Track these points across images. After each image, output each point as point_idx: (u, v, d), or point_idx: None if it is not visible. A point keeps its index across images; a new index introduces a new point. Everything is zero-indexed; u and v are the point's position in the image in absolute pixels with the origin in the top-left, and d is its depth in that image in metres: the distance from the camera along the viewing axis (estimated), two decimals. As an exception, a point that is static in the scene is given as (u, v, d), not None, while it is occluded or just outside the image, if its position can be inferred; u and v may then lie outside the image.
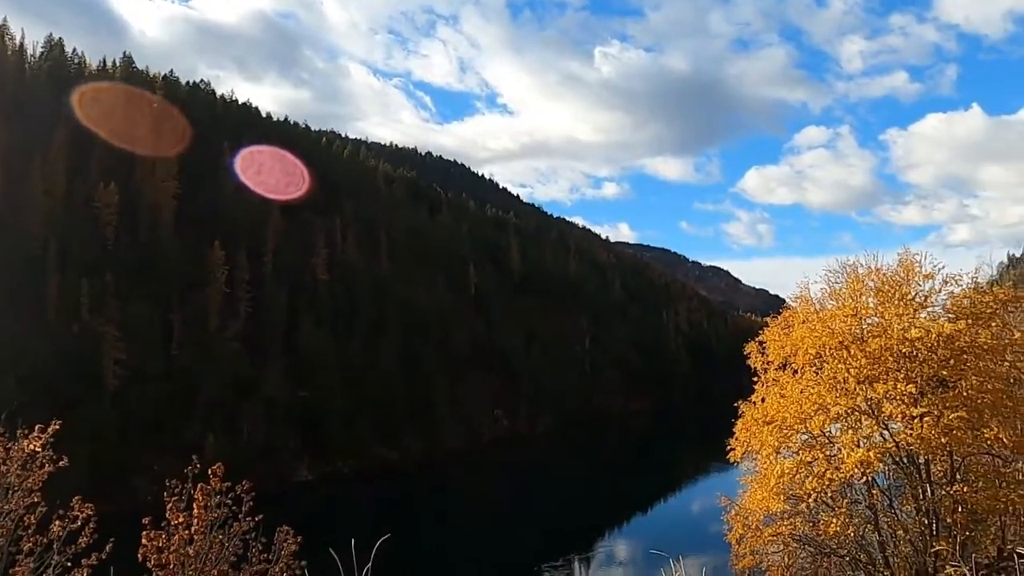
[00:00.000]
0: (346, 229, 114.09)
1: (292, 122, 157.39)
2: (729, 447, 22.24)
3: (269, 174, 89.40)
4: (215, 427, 75.03)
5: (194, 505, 9.48)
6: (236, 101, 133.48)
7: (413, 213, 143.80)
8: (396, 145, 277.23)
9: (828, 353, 20.23)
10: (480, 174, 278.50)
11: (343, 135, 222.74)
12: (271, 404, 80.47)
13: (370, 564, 8.14)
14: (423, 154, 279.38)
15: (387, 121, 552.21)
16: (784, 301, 33.15)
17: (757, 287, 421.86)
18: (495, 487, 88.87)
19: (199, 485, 9.25)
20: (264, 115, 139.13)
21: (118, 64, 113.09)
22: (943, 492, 19.78)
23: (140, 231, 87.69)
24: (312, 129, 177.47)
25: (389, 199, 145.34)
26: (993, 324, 19.82)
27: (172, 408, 74.85)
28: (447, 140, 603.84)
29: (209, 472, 9.32)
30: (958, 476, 20.30)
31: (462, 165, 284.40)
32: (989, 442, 18.58)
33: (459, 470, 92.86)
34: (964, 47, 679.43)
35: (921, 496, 19.84)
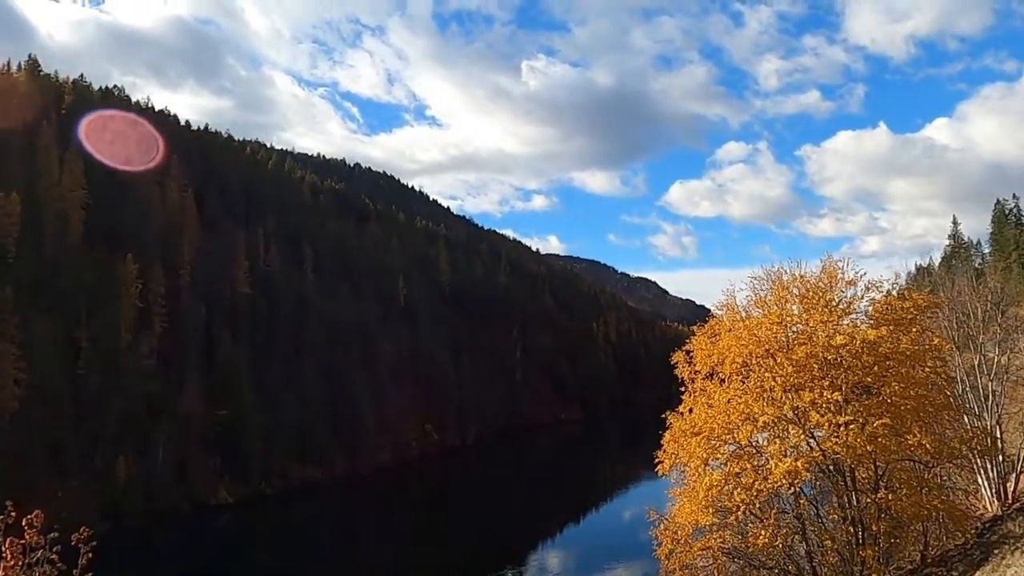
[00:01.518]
0: (269, 241, 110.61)
1: (213, 130, 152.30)
2: (657, 460, 21.74)
3: (121, 144, 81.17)
4: (126, 449, 70.90)
5: None
6: (152, 108, 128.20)
7: (340, 225, 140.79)
8: (324, 156, 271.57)
9: (755, 362, 19.98)
10: (410, 186, 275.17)
11: (268, 145, 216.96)
12: (187, 423, 76.62)
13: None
14: (351, 165, 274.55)
15: (313, 132, 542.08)
16: (709, 311, 33.19)
17: (683, 297, 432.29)
18: (422, 501, 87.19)
19: (8, 540, 7.51)
20: (183, 123, 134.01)
21: (23, 67, 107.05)
22: (868, 500, 19.72)
23: (45, 243, 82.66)
24: (235, 138, 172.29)
25: (315, 210, 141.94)
26: (913, 330, 19.96)
27: (79, 430, 70.40)
28: (375, 152, 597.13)
29: (24, 523, 7.67)
30: (882, 483, 20.29)
31: (392, 177, 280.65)
32: (912, 448, 18.60)
33: (386, 486, 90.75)
34: (871, 68, 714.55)
35: (847, 504, 19.74)
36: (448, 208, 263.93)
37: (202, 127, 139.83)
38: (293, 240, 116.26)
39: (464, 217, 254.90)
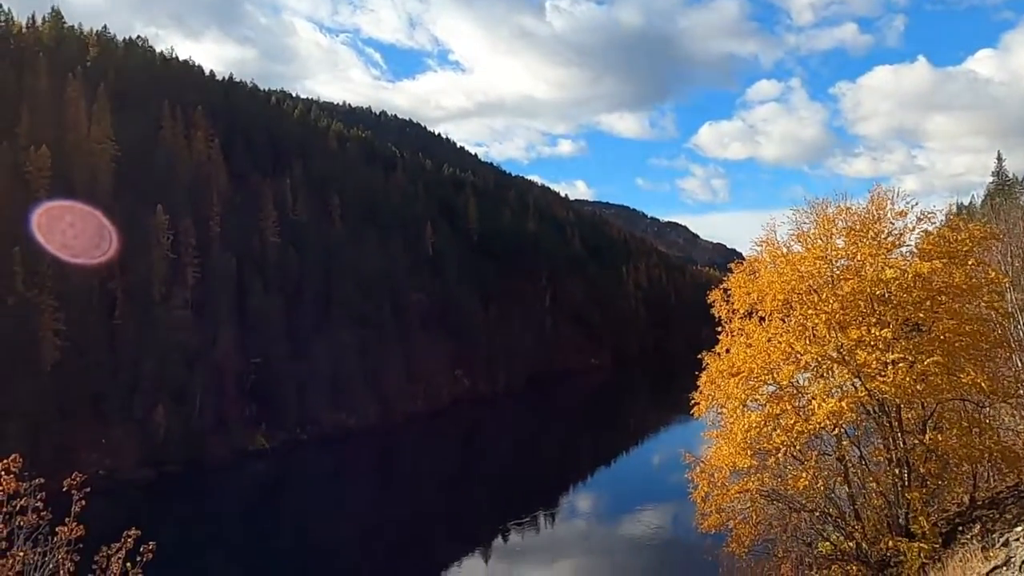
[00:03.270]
0: (296, 191, 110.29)
1: (238, 80, 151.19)
2: (693, 401, 21.11)
3: (75, 235, 76.00)
4: (164, 398, 72.32)
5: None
6: (176, 58, 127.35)
7: (367, 173, 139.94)
8: (349, 105, 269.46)
9: (797, 298, 19.05)
10: (436, 133, 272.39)
11: (293, 95, 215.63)
12: (222, 373, 77.80)
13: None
14: (377, 114, 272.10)
15: (336, 80, 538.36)
16: (740, 255, 32.11)
17: (714, 241, 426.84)
18: (455, 446, 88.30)
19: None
20: (207, 73, 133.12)
21: (46, 20, 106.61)
22: (915, 440, 18.92)
23: (76, 196, 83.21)
24: (260, 88, 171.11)
25: (342, 159, 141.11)
26: (969, 262, 18.81)
27: (117, 380, 71.87)
28: (400, 99, 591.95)
29: None
30: (930, 423, 19.45)
31: (417, 124, 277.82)
32: (965, 387, 17.66)
33: (418, 432, 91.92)
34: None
35: (893, 445, 18.97)
36: (475, 155, 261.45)
37: (226, 78, 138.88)
38: (320, 190, 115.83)
39: (491, 164, 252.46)
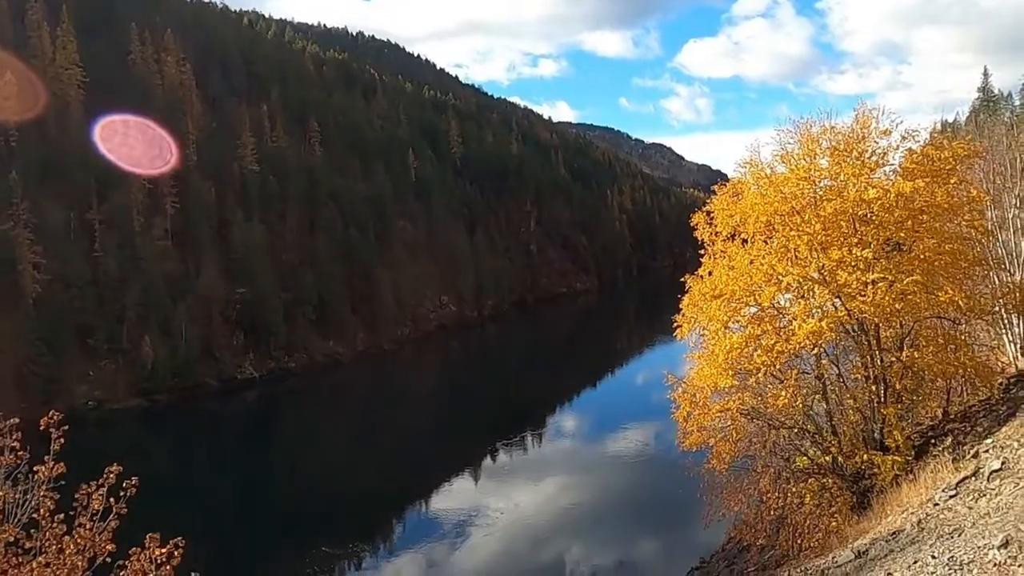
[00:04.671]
0: (274, 116, 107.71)
1: (207, 1, 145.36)
2: (675, 323, 21.31)
3: (133, 145, 79.64)
4: (150, 329, 72.24)
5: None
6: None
7: (346, 97, 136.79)
8: (324, 25, 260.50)
9: (779, 220, 19.04)
10: (416, 55, 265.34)
11: (266, 15, 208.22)
12: (207, 303, 77.56)
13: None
14: (354, 35, 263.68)
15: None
16: (725, 176, 31.87)
17: (699, 163, 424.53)
18: (443, 371, 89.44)
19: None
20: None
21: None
22: (892, 358, 19.31)
23: (47, 125, 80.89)
24: (231, 9, 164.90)
25: (320, 83, 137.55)
26: (952, 181, 18.78)
27: (102, 312, 71.61)
28: (377, 18, 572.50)
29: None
30: (907, 341, 19.81)
31: (396, 46, 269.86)
32: (943, 305, 17.90)
33: (406, 358, 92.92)
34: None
35: (871, 363, 19.34)
36: (456, 77, 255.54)
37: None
38: (298, 115, 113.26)
39: (472, 86, 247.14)
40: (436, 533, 36.80)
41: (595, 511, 39.03)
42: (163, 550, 7.52)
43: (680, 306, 21.11)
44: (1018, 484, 13.24)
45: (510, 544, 34.68)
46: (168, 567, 7.52)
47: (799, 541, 19.16)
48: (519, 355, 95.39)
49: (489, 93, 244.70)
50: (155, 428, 63.99)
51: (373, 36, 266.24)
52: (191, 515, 37.86)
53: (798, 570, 15.40)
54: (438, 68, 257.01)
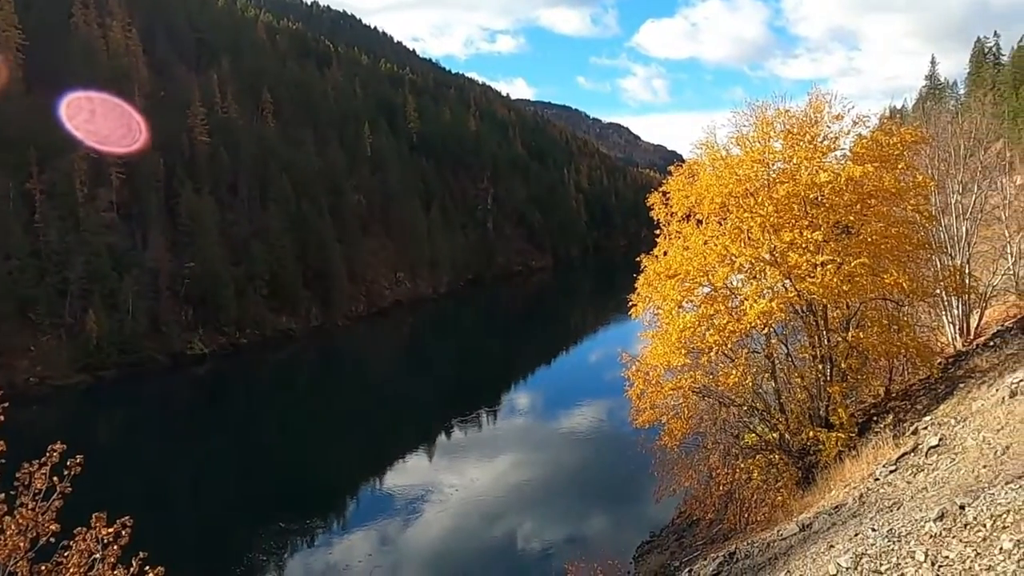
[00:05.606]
0: (225, 86, 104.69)
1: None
2: (630, 302, 21.53)
3: (100, 123, 77.74)
4: (95, 303, 70.12)
5: None
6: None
7: (301, 69, 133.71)
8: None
9: (733, 202, 19.31)
10: (372, 26, 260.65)
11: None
12: (155, 276, 75.53)
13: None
14: (308, 4, 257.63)
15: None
16: (681, 156, 32.21)
17: (655, 143, 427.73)
18: (398, 348, 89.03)
19: None
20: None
21: None
22: (839, 338, 19.86)
23: (-19, 90, 77.33)
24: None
25: (272, 53, 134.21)
26: (899, 166, 19.26)
27: (44, 285, 69.18)
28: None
29: None
30: (853, 322, 20.38)
31: (352, 16, 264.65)
32: (888, 287, 18.44)
33: (360, 334, 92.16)
34: None
35: (818, 343, 19.88)
36: (413, 51, 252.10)
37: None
38: (250, 85, 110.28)
39: (429, 60, 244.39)
40: (390, 509, 36.80)
41: (548, 487, 39.46)
42: (110, 529, 7.34)
43: (635, 285, 21.34)
44: (954, 460, 13.79)
45: (463, 520, 34.90)
46: (115, 547, 7.34)
47: (747, 515, 19.71)
48: (474, 332, 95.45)
49: (447, 68, 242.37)
50: (101, 405, 62.39)
51: (328, 7, 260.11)
52: (140, 493, 37.19)
53: (745, 543, 15.83)
54: (395, 41, 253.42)
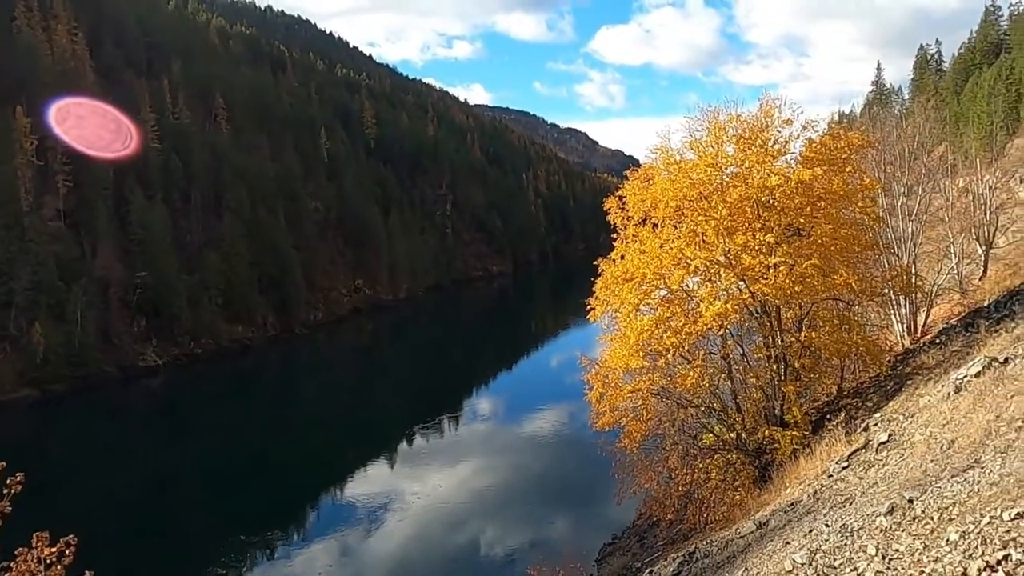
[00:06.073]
0: (176, 91, 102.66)
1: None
2: (588, 307, 21.66)
3: (89, 128, 77.24)
4: (42, 315, 67.99)
5: None
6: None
7: (254, 74, 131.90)
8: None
9: (688, 205, 19.58)
10: (327, 31, 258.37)
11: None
12: (105, 287, 73.55)
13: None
14: (262, 8, 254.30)
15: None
16: (638, 161, 32.55)
17: (613, 148, 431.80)
18: (357, 356, 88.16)
19: None
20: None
21: None
22: (792, 338, 20.23)
23: (-82, 96, 74.60)
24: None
25: (225, 58, 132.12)
26: (847, 169, 19.75)
27: (-13, 296, 66.90)
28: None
29: None
30: (806, 322, 20.79)
31: (307, 21, 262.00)
32: (839, 288, 18.87)
33: (318, 342, 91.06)
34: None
35: (772, 343, 20.21)
36: (369, 56, 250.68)
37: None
38: (203, 91, 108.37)
39: (386, 65, 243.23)
40: (350, 519, 36.36)
41: (510, 492, 39.43)
42: (53, 549, 7.08)
43: (593, 289, 21.48)
44: (903, 455, 14.14)
45: (425, 528, 34.65)
46: (58, 567, 7.08)
47: (705, 515, 19.94)
48: (435, 338, 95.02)
49: (403, 73, 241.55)
50: (48, 420, 60.44)
51: (283, 11, 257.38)
52: (89, 510, 36.12)
53: (704, 542, 16.01)
54: (351, 46, 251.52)
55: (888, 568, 8.28)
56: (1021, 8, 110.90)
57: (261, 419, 58.44)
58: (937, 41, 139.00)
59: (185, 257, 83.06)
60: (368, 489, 40.38)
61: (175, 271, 79.38)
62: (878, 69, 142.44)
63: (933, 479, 11.06)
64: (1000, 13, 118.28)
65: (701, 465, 21.38)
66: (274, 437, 52.68)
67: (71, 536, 7.22)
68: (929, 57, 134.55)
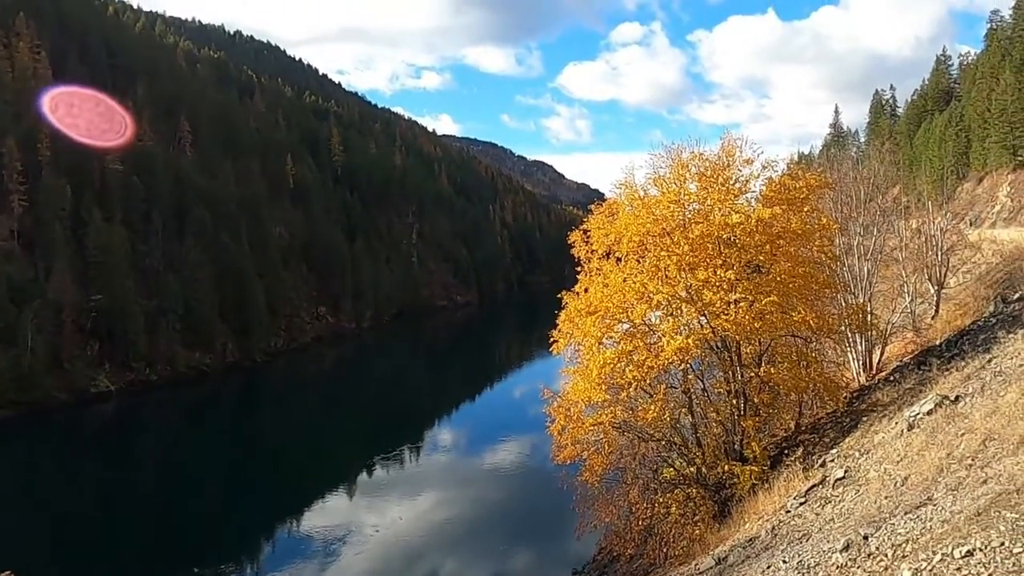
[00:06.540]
0: (140, 112, 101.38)
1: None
2: (552, 339, 21.72)
3: (84, 117, 77.11)
4: (-11, 338, 65.87)
5: None
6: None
7: (221, 98, 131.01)
8: (200, 22, 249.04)
9: (651, 240, 19.85)
10: (296, 58, 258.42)
11: (134, 6, 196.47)
12: (59, 310, 71.59)
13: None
14: (231, 33, 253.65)
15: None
16: (603, 195, 33.01)
17: (579, 181, 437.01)
18: (318, 384, 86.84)
19: None
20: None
21: None
22: (752, 374, 20.49)
23: None
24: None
25: (192, 80, 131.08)
26: (805, 209, 20.24)
27: (-68, 317, 64.72)
28: (255, 18, 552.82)
29: None
30: (765, 358, 21.10)
31: (276, 47, 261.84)
32: (797, 324, 19.22)
33: (278, 370, 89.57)
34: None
35: (732, 378, 20.45)
36: (338, 83, 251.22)
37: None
38: (168, 112, 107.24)
39: (355, 93, 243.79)
40: (307, 552, 35.54)
41: (471, 525, 38.97)
42: None
43: (557, 321, 21.57)
44: (858, 491, 14.34)
45: (384, 562, 33.99)
46: None
47: (665, 550, 19.91)
48: (398, 368, 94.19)
49: (372, 102, 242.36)
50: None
51: (252, 36, 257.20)
52: (30, 541, 34.78)
53: (663, 578, 15.97)
54: (320, 74, 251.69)
55: (843, 605, 8.36)
56: (970, 59, 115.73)
57: (213, 448, 57.11)
58: (892, 87, 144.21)
59: (144, 280, 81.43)
60: (325, 522, 39.57)
61: (132, 295, 77.69)
62: (836, 112, 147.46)
63: (887, 516, 11.23)
64: (951, 63, 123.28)
65: (661, 500, 21.39)
66: (226, 467, 51.48)
67: (8, 572, 6.94)
68: (884, 102, 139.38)
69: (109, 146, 78.67)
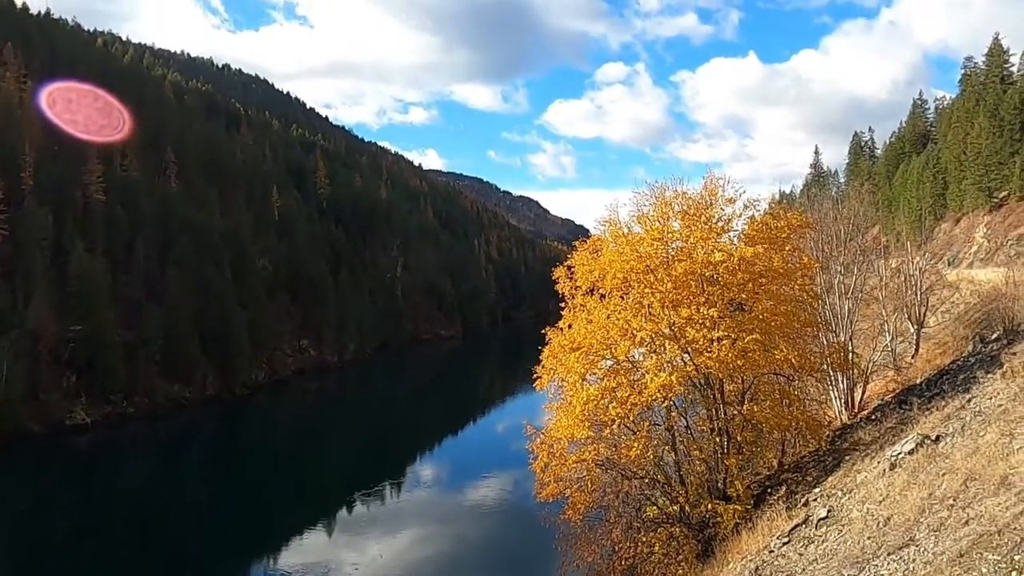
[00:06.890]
0: (126, 144, 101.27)
1: (56, 17, 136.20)
2: (535, 375, 21.67)
3: (82, 112, 77.40)
4: (-36, 367, 64.68)
5: None
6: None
7: (208, 130, 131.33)
8: (188, 54, 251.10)
9: (635, 277, 19.97)
10: (284, 92, 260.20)
11: (124, 38, 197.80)
12: (35, 339, 70.51)
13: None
14: (219, 66, 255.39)
15: (169, 22, 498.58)
16: (587, 230, 33.33)
17: (563, 217, 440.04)
18: (298, 418, 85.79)
19: None
20: (19, 6, 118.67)
21: None
22: (735, 411, 20.51)
23: None
24: (84, 28, 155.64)
25: (179, 112, 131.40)
26: (786, 248, 20.47)
27: (-95, 346, 63.52)
28: (243, 50, 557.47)
29: None
30: (748, 396, 21.15)
31: (264, 80, 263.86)
32: (779, 363, 19.31)
33: (259, 403, 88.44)
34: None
35: (715, 416, 20.45)
36: (326, 117, 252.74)
37: (42, 12, 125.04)
38: (154, 144, 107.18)
39: (342, 127, 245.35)
40: (283, 591, 34.77)
41: (452, 563, 38.34)
42: None
43: (541, 357, 21.54)
44: (841, 531, 14.29)
45: (362, 601, 33.29)
46: None
47: (648, 590, 19.67)
48: (380, 402, 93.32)
49: (359, 136, 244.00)
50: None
51: (240, 70, 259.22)
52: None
53: (646, 619, 15.75)
54: (307, 107, 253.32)
55: (826, 649, 8.28)
56: (946, 103, 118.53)
57: (189, 483, 56.05)
58: (870, 129, 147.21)
59: (124, 311, 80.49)
60: (304, 559, 38.79)
61: (112, 325, 76.74)
62: (816, 153, 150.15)
63: (870, 557, 11.19)
64: (927, 107, 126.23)
65: (645, 538, 21.20)
66: (202, 502, 50.52)
67: None
68: (863, 144, 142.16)
69: (107, 141, 78.50)
